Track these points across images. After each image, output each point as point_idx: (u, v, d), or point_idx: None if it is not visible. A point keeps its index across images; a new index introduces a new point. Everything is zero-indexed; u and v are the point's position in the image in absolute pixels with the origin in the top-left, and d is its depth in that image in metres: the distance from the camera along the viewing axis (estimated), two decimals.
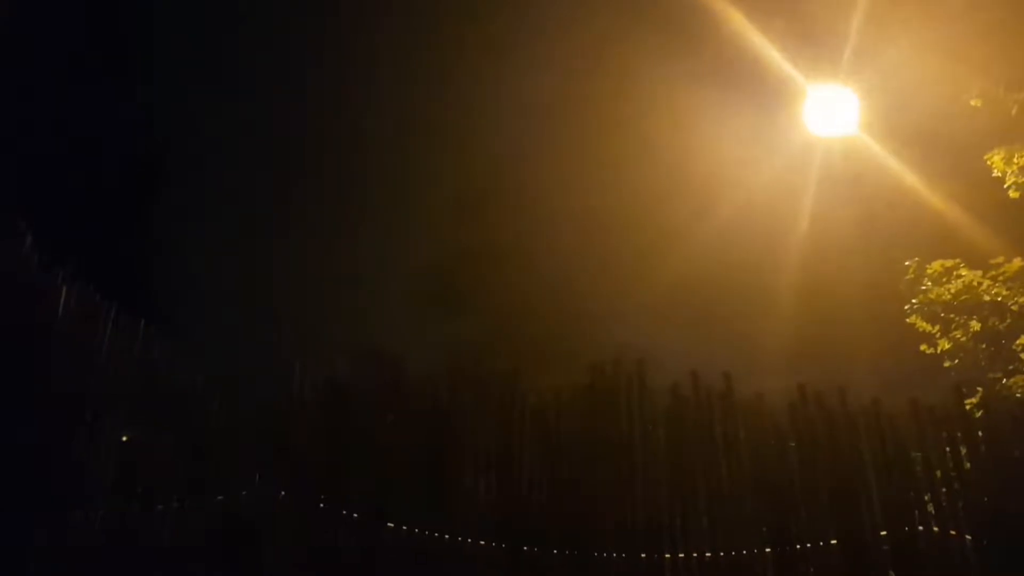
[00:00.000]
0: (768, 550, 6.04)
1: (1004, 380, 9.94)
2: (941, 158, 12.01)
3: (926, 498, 6.25)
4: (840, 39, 12.03)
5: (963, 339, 10.46)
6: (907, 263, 11.22)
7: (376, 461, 6.07)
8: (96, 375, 5.70)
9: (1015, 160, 10.37)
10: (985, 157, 10.59)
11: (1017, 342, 10.04)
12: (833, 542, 6.05)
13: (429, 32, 18.77)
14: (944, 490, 6.23)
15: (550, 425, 6.43)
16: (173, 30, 18.25)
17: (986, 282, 10.46)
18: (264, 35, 18.88)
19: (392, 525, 5.86)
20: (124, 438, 5.82)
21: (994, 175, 10.59)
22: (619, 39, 16.83)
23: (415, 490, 6.05)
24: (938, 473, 6.32)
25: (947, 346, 10.58)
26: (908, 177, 12.72)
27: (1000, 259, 10.58)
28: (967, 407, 6.81)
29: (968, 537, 6.05)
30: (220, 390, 6.15)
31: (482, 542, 5.97)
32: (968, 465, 6.30)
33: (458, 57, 18.05)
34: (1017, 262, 10.39)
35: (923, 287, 10.89)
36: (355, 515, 5.84)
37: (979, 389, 9.02)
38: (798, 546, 6.05)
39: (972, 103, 10.63)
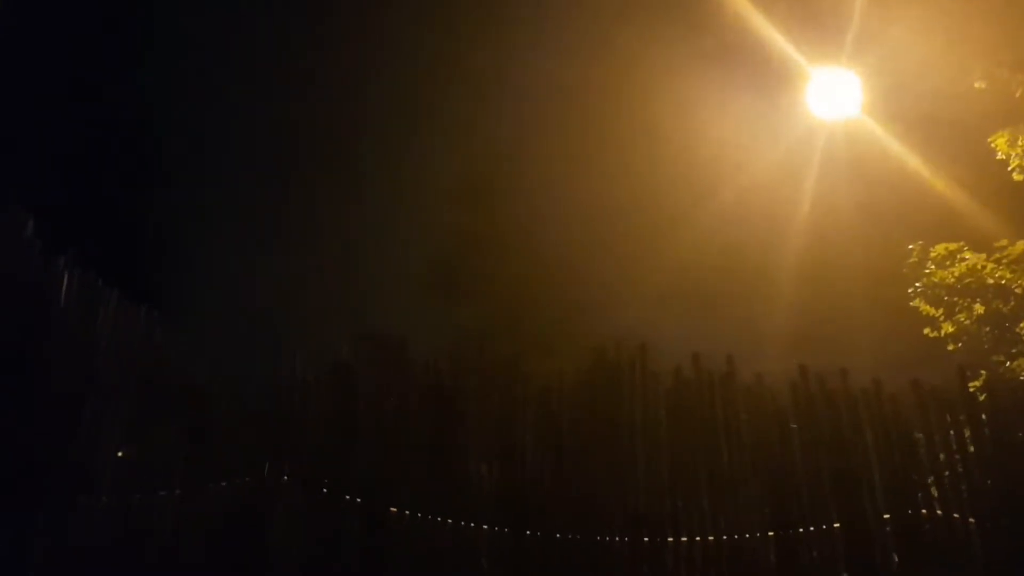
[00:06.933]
0: (771, 534, 6.05)
1: (1008, 363, 9.94)
2: (944, 141, 11.98)
3: (929, 481, 6.24)
4: (843, 21, 11.98)
5: (967, 322, 10.45)
6: (910, 246, 11.20)
7: (379, 446, 6.07)
8: (98, 362, 5.70)
9: (1019, 142, 10.34)
10: (989, 139, 10.56)
11: (1021, 325, 10.03)
12: (836, 525, 6.05)
13: (430, 17, 18.69)
14: (947, 473, 6.22)
15: (552, 409, 6.42)
16: (173, 15, 18.18)
17: (990, 265, 10.45)
18: (264, 20, 18.80)
19: (395, 510, 5.87)
20: (127, 426, 5.82)
21: (998, 157, 10.55)
22: (621, 23, 16.75)
23: (418, 475, 6.06)
24: (941, 456, 6.31)
25: (951, 329, 10.57)
26: (911, 160, 12.70)
27: (1004, 242, 10.56)
28: (971, 390, 6.79)
29: (971, 520, 6.04)
30: (223, 376, 6.15)
31: (485, 526, 5.98)
32: (972, 448, 6.30)
33: (460, 42, 17.98)
34: (1021, 244, 10.37)
35: (927, 270, 10.87)
36: (359, 500, 5.85)
37: (983, 372, 9.01)
38: (800, 529, 6.05)
39: (976, 85, 10.58)
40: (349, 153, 19.05)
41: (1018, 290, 10.17)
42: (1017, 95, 10.32)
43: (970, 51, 10.60)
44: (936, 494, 6.17)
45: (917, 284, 10.95)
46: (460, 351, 6.81)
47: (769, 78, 13.99)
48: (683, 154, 15.95)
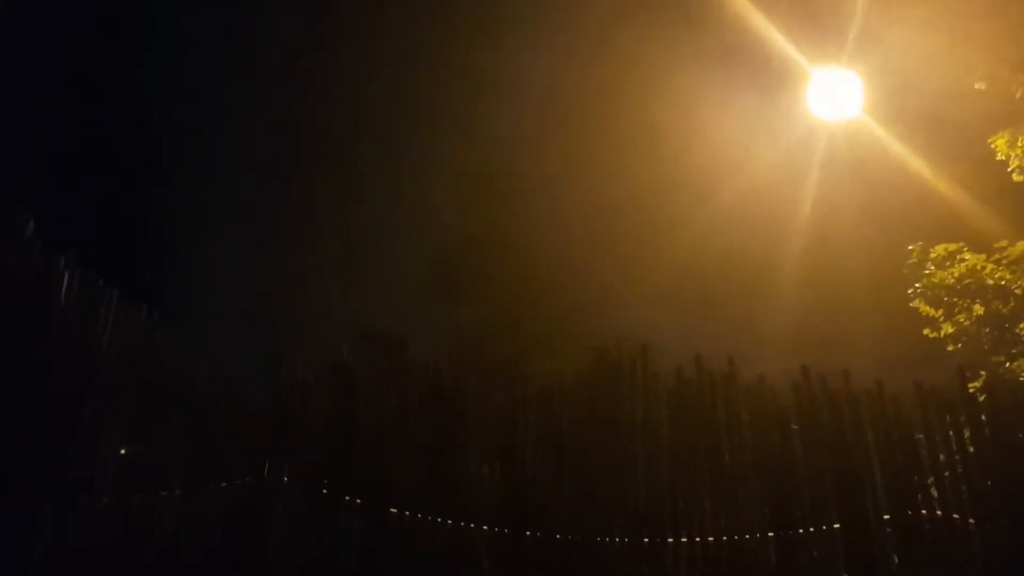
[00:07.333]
0: (771, 534, 6.05)
1: (1008, 364, 9.93)
2: (945, 141, 11.97)
3: (929, 482, 6.24)
4: (844, 20, 11.96)
5: (967, 323, 10.44)
6: (910, 247, 11.19)
7: (379, 446, 6.07)
8: (98, 362, 5.70)
9: (1019, 143, 10.32)
10: (989, 140, 10.54)
11: (1021, 326, 10.03)
12: (836, 526, 6.05)
13: (430, 17, 18.69)
14: (947, 474, 6.22)
15: (553, 409, 6.42)
16: (173, 15, 18.17)
17: (990, 266, 10.44)
18: (264, 20, 18.79)
19: (395, 510, 5.87)
20: (127, 425, 5.81)
21: (998, 158, 10.53)
22: (621, 23, 16.74)
23: (418, 475, 6.06)
24: (942, 456, 6.31)
25: (950, 330, 10.56)
26: (912, 161, 12.69)
27: (1004, 243, 10.56)
28: (971, 391, 6.79)
29: (971, 521, 6.04)
30: (223, 376, 6.14)
31: (485, 527, 5.98)
32: (972, 448, 6.29)
33: (460, 42, 17.97)
34: (1021, 245, 10.36)
35: (926, 271, 10.87)
36: (358, 500, 5.84)
37: (983, 373, 9.01)
38: (801, 530, 6.05)
39: (976, 86, 10.56)
40: (349, 153, 19.05)
41: (1018, 291, 10.16)
42: (1017, 96, 10.30)
43: (972, 50, 10.58)
44: (936, 495, 6.16)
45: (917, 285, 10.95)
46: (460, 351, 6.80)
47: (770, 78, 13.98)
48: (684, 154, 15.96)
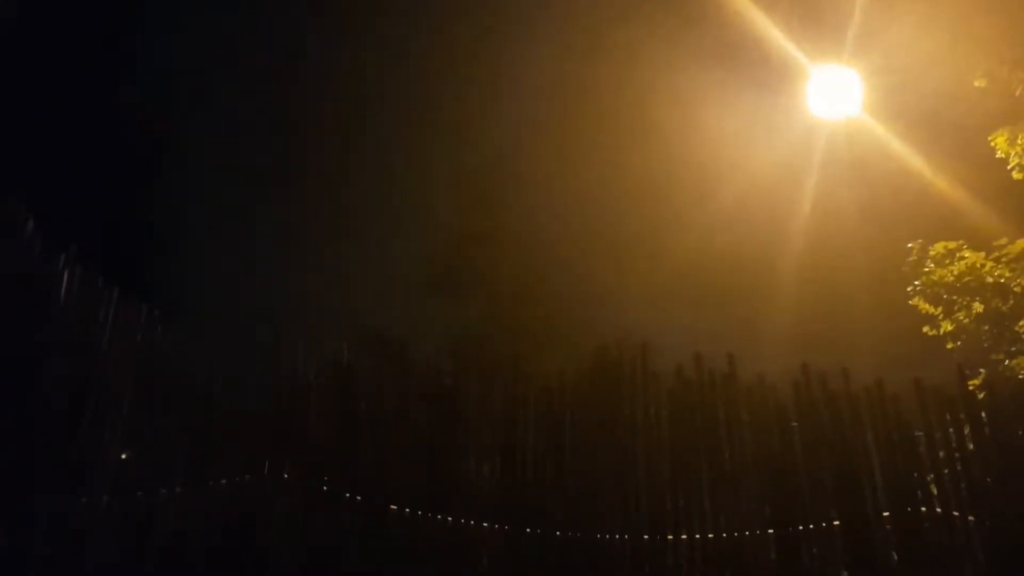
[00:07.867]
0: (771, 531, 6.05)
1: (1007, 361, 9.93)
2: (945, 139, 11.97)
3: (929, 479, 6.24)
4: (844, 19, 11.97)
5: (966, 321, 10.43)
6: (910, 245, 11.18)
7: (380, 445, 6.08)
8: (98, 360, 5.70)
9: (1019, 141, 10.32)
10: (989, 138, 10.53)
11: (1020, 323, 10.02)
12: (836, 523, 6.05)
13: (429, 15, 18.69)
14: (947, 471, 6.22)
15: (554, 408, 6.43)
16: (173, 14, 18.18)
17: (989, 263, 10.43)
18: (264, 20, 18.80)
19: (395, 508, 5.87)
20: (127, 425, 5.81)
21: (997, 156, 10.53)
22: (621, 20, 16.75)
23: (418, 473, 6.06)
24: (941, 454, 6.31)
25: (950, 328, 10.56)
26: (912, 159, 12.69)
27: (1003, 240, 10.54)
28: (970, 388, 6.79)
29: (971, 518, 6.04)
30: (223, 374, 6.14)
31: (485, 524, 5.98)
32: (971, 446, 6.29)
33: (459, 41, 17.98)
34: (1020, 243, 10.35)
35: (926, 269, 10.85)
36: (359, 498, 5.85)
37: (982, 371, 9.01)
38: (800, 528, 6.05)
39: (976, 84, 10.56)
40: (350, 153, 19.06)
41: (1017, 289, 10.15)
42: (1017, 93, 10.31)
43: (972, 48, 10.58)
44: (936, 492, 6.16)
45: (916, 282, 10.94)
46: (460, 351, 6.82)
47: (769, 76, 13.99)
48: (683, 153, 15.96)
